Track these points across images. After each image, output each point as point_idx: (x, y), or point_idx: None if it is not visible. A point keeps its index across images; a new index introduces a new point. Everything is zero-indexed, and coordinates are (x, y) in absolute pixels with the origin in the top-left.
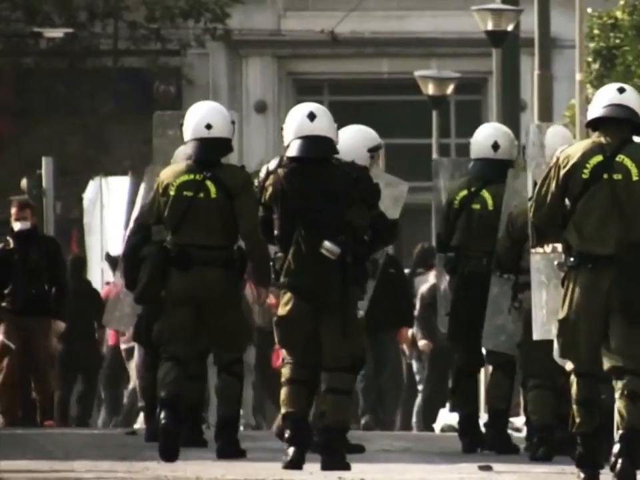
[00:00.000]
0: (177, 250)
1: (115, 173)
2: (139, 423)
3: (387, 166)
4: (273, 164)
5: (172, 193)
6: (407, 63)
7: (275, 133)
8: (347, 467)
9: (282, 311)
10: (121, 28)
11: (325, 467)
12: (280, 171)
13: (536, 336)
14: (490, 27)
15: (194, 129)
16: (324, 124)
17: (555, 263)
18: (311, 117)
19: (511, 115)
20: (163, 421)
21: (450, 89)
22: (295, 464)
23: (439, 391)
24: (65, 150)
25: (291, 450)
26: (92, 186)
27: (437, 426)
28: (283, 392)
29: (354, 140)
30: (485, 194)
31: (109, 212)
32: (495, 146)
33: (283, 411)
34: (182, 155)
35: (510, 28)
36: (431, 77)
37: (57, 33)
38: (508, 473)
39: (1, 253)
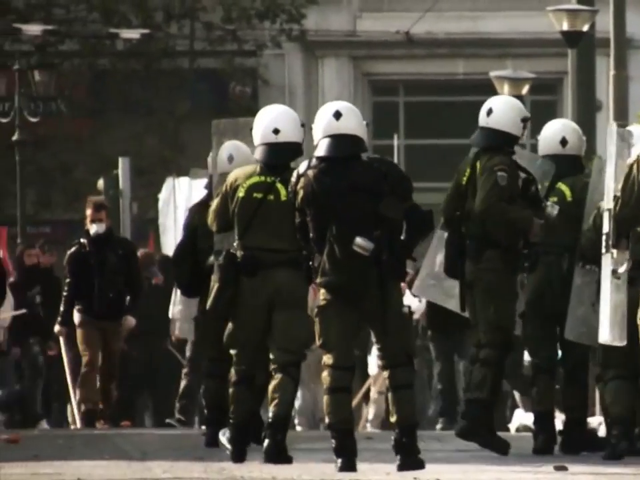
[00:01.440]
0: (243, 255)
1: None
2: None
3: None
4: (302, 167)
5: (241, 194)
6: (482, 63)
7: None
8: (421, 465)
9: (322, 302)
10: (197, 29)
11: (401, 467)
12: (310, 172)
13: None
14: (565, 27)
15: (262, 134)
16: (350, 122)
17: (620, 269)
18: (337, 115)
19: (586, 115)
20: (233, 441)
21: (525, 90)
22: (346, 471)
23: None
24: (141, 150)
25: (339, 461)
26: (166, 186)
27: (512, 426)
28: (325, 400)
29: (509, 110)
30: (562, 186)
31: (182, 212)
32: (564, 141)
33: (326, 420)
34: (224, 159)
35: (585, 28)
36: (506, 77)
37: (133, 33)
38: (584, 474)
39: (77, 257)
